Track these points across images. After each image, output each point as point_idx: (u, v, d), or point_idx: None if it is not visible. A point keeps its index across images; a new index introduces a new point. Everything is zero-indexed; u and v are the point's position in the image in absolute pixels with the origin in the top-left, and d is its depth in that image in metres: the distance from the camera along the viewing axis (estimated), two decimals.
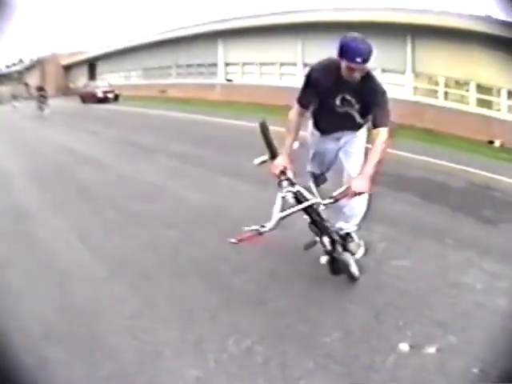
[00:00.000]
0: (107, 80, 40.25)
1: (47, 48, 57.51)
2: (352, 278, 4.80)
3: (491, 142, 17.04)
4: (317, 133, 4.91)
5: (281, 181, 4.23)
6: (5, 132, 21.33)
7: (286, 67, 26.98)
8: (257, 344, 3.96)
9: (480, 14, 17.31)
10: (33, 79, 66.07)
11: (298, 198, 4.15)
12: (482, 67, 17.60)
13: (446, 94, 20.24)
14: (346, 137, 4.79)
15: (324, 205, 4.13)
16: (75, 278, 5.40)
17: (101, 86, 38.16)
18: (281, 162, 4.32)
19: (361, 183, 4.02)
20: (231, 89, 30.07)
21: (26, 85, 70.14)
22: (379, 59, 19.61)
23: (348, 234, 4.86)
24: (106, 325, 4.42)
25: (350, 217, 4.79)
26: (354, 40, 4.01)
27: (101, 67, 47.94)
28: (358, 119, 4.53)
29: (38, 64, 62.55)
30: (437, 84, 20.47)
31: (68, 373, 3.73)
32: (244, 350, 3.91)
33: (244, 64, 30.40)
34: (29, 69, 67.64)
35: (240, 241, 3.75)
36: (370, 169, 4.10)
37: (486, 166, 11.63)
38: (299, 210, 4.12)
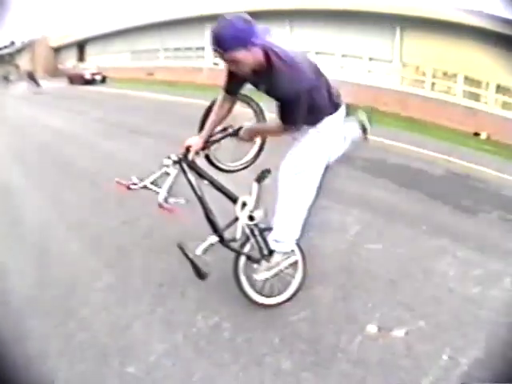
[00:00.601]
0: (95, 62, 40.13)
1: (39, 30, 57.13)
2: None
3: (477, 134, 17.14)
4: None
5: (168, 157, 4.03)
6: None
7: None
8: (225, 320, 4.02)
9: (471, 8, 17.30)
10: (23, 61, 65.80)
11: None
12: (471, 60, 17.62)
13: (432, 84, 20.24)
14: None
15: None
16: (52, 252, 5.43)
17: (88, 67, 38.08)
18: (191, 140, 4.08)
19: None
20: (218, 72, 29.10)
21: (17, 67, 69.77)
22: (367, 47, 19.57)
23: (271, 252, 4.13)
24: (80, 298, 4.46)
25: (273, 235, 4.07)
26: (216, 24, 3.29)
27: (90, 49, 47.64)
28: None
29: (29, 46, 62.20)
30: (424, 74, 20.46)
31: (43, 343, 3.79)
32: (212, 325, 3.97)
33: None
34: (20, 51, 67.20)
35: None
36: (252, 124, 4.16)
37: (470, 157, 11.74)
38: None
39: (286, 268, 4.19)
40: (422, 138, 14.29)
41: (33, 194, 7.64)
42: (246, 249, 4.16)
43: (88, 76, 35.90)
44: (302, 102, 3.45)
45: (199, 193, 3.99)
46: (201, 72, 29.36)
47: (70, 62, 48.36)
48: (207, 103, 4.34)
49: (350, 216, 5.87)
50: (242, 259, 4.16)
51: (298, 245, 4.21)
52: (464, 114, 18.05)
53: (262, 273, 4.08)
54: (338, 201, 6.61)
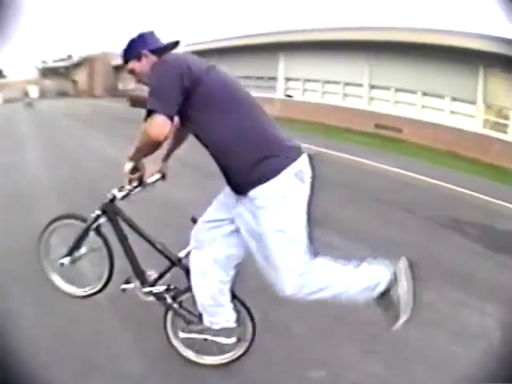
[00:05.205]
0: None
1: (98, 46, 57.98)
2: None
3: None
4: None
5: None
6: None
7: (351, 87, 26.15)
8: None
9: None
10: (80, 76, 66.26)
11: None
12: None
13: None
14: None
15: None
16: None
17: None
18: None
19: None
20: (291, 105, 29.13)
21: (74, 82, 70.43)
22: (449, 87, 18.49)
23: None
24: None
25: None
26: None
27: None
28: None
29: (87, 61, 62.65)
30: (507, 118, 19.21)
31: None
32: None
33: (306, 80, 29.45)
34: (76, 66, 67.75)
35: None
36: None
37: None
38: None
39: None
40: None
41: None
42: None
43: None
44: (156, 78, 3.25)
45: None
46: (272, 104, 28.35)
47: (130, 82, 48.44)
48: None
49: (487, 315, 4.94)
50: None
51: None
52: None
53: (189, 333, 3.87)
54: (469, 291, 5.63)
